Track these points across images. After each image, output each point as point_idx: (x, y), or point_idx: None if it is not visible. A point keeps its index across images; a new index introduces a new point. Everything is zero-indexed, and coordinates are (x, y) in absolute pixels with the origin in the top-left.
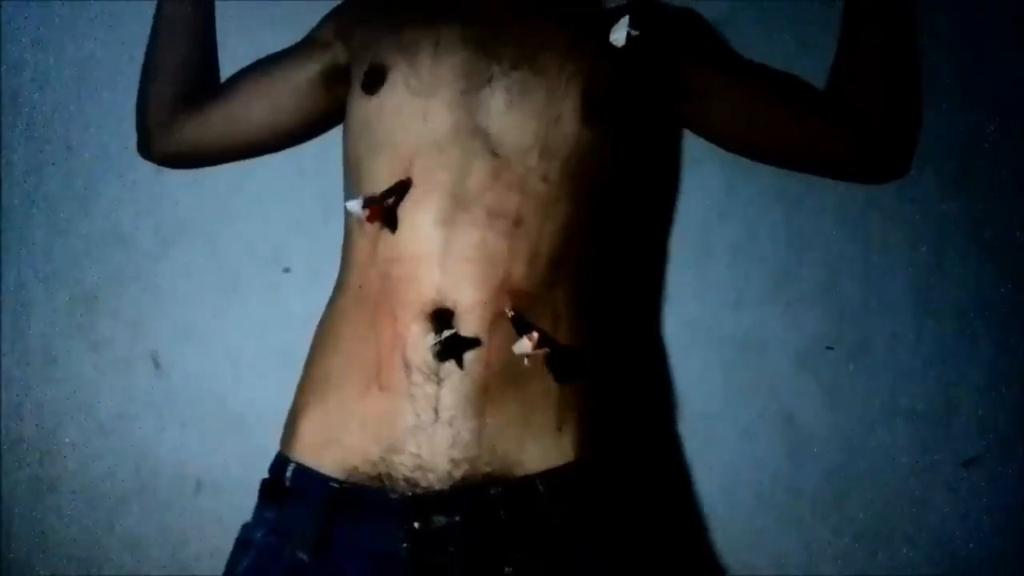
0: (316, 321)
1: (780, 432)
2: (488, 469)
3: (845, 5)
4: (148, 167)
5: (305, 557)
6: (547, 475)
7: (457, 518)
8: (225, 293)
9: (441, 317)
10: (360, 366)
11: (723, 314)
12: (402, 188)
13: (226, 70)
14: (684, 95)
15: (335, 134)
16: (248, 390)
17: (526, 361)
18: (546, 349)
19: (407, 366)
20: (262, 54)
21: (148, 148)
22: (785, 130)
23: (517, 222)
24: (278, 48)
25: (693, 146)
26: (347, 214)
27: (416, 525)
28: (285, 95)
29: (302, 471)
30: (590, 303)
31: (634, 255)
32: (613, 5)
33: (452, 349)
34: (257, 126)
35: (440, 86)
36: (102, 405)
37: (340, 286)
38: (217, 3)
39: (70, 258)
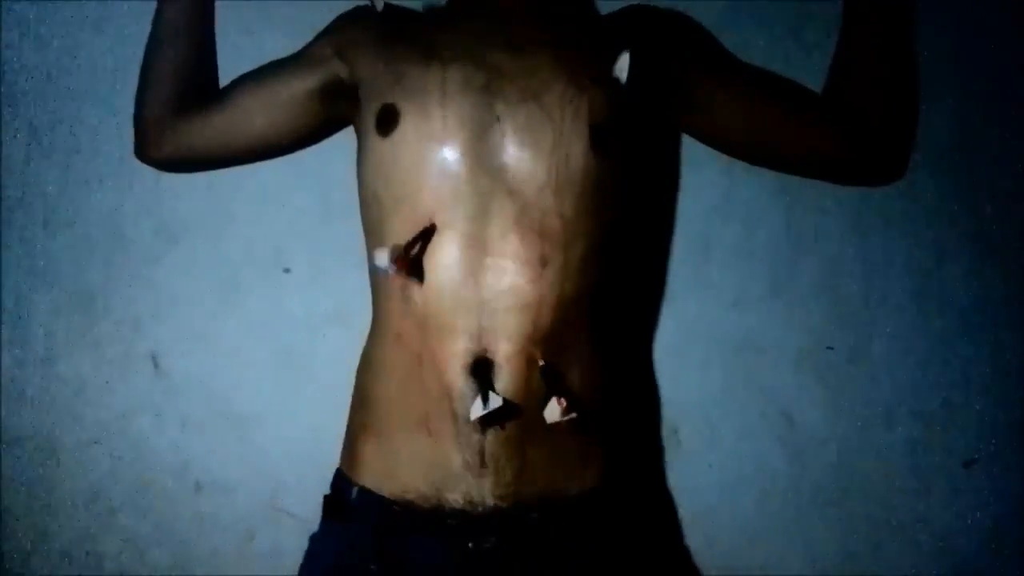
0: (316, 321)
1: (780, 432)
2: (527, 500)
3: (844, 6)
4: (148, 167)
5: (374, 567)
6: (578, 499)
7: (504, 540)
8: (225, 293)
9: (482, 369)
10: (409, 411)
11: (723, 314)
12: (427, 235)
13: (226, 71)
14: (686, 104)
15: (335, 136)
16: (248, 390)
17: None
18: (574, 414)
19: (454, 416)
20: (262, 55)
21: (144, 151)
22: (785, 135)
23: (543, 263)
24: (278, 49)
25: (693, 146)
26: (372, 258)
27: (470, 545)
28: (282, 107)
29: (365, 493)
30: (606, 331)
31: (635, 255)
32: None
33: (497, 418)
34: (253, 135)
35: (452, 130)
36: (102, 405)
37: (377, 329)
38: (217, 4)
39: (70, 258)
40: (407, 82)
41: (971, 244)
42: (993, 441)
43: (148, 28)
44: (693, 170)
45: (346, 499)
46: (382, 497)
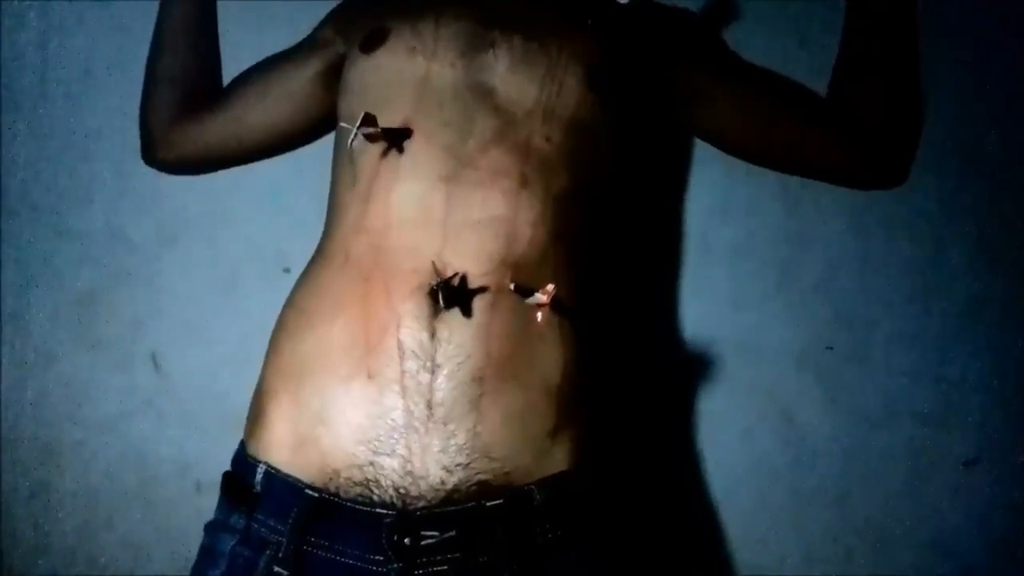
0: None
1: (780, 432)
2: (482, 477)
3: (847, 11)
4: (148, 167)
5: (285, 572)
6: (542, 485)
7: (452, 532)
8: (225, 293)
9: (441, 288)
10: (345, 349)
11: (723, 314)
12: (401, 134)
13: (227, 70)
14: (685, 98)
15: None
16: (248, 390)
17: (539, 316)
18: (554, 291)
19: (401, 350)
20: (263, 54)
21: (153, 155)
22: (786, 137)
23: (523, 182)
24: (278, 48)
25: (694, 146)
26: (335, 179)
27: (406, 542)
28: (285, 97)
29: (274, 476)
30: (585, 286)
31: (634, 255)
32: None
33: (458, 295)
34: (260, 130)
35: (442, 48)
36: (102, 405)
37: (320, 258)
38: (219, 4)
39: (70, 258)
40: (400, 7)
41: (971, 244)
42: (993, 441)
43: (150, 28)
44: (693, 169)
45: (248, 483)
46: (294, 481)
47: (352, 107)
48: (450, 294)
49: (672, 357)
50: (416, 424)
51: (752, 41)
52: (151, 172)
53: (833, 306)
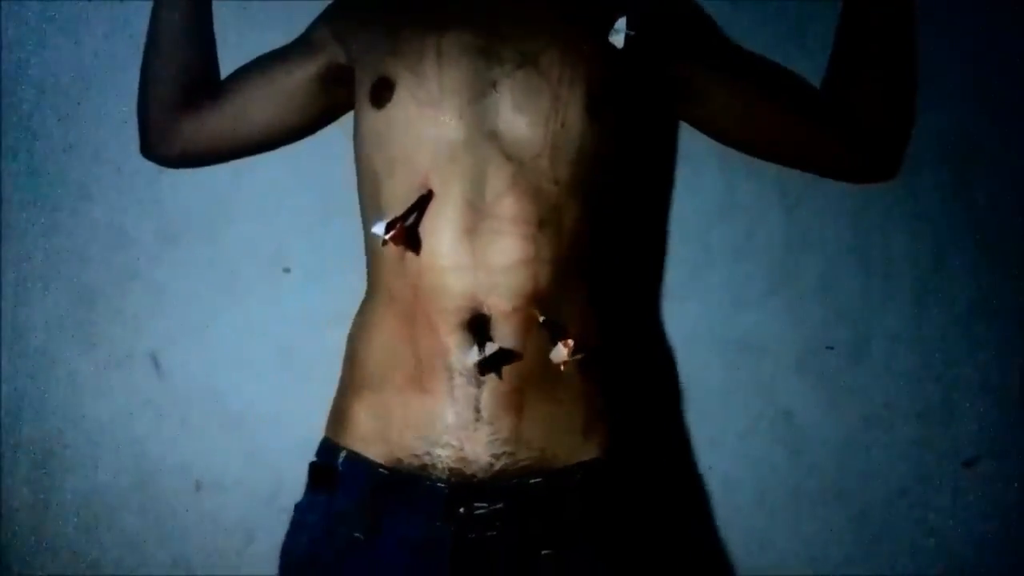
0: (316, 321)
1: (780, 432)
2: (525, 462)
3: (843, 7)
4: (148, 167)
5: (360, 535)
6: (581, 467)
7: (500, 505)
8: (225, 293)
9: (479, 325)
10: (400, 368)
11: (723, 314)
12: (423, 203)
13: (226, 70)
14: (682, 92)
15: (335, 133)
16: (248, 390)
17: (562, 367)
18: (580, 355)
19: (449, 371)
20: (262, 54)
21: (150, 149)
22: (781, 128)
23: (540, 225)
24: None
25: (693, 145)
26: (367, 227)
27: (461, 511)
28: (283, 95)
29: (353, 458)
30: (604, 300)
31: (634, 255)
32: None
33: (494, 363)
34: (256, 126)
35: (448, 95)
36: (102, 405)
37: (371, 290)
38: (217, 3)
39: (70, 258)
40: (402, 50)
41: (971, 243)
42: (993, 441)
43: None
44: (693, 169)
45: (332, 465)
46: (369, 461)
47: (372, 161)
48: (487, 366)
49: (672, 357)
50: (465, 424)
51: (752, 41)
52: (151, 172)
53: (833, 306)
